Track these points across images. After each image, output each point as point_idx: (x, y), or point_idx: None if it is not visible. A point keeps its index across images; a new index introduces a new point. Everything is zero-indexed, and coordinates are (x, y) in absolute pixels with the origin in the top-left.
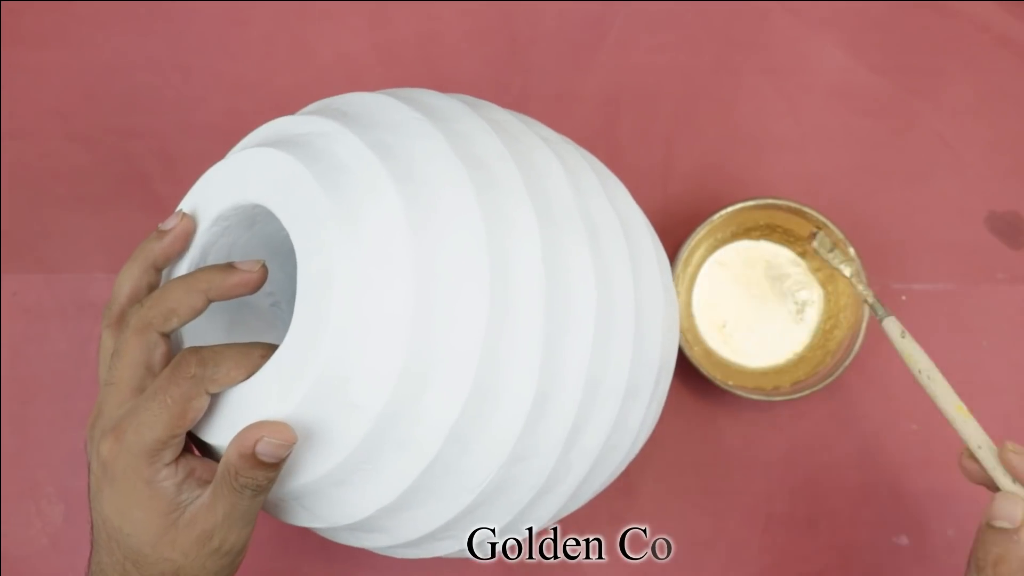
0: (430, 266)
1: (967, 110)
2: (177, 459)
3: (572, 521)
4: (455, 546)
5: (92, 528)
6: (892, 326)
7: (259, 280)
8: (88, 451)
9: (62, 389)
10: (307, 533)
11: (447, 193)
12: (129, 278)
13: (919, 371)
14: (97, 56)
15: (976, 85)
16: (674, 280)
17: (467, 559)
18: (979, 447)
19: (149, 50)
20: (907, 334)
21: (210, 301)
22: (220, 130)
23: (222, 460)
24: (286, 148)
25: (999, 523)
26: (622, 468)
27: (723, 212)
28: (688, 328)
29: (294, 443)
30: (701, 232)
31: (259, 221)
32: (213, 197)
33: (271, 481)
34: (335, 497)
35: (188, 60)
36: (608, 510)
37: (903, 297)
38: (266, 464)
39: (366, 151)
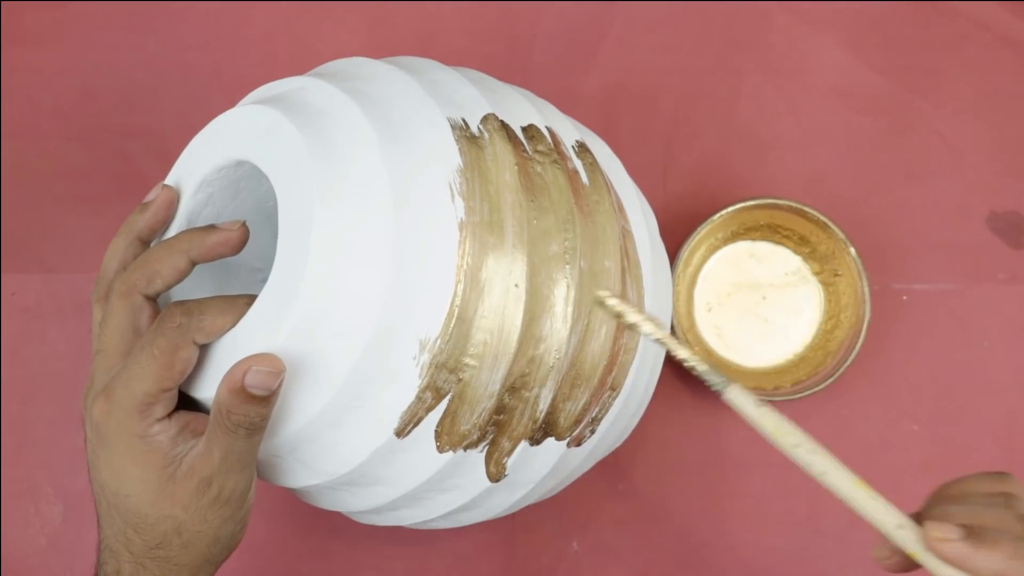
0: (407, 195)
1: (967, 110)
2: (170, 415)
3: (572, 521)
4: (461, 498)
5: (96, 505)
6: (740, 397)
7: (240, 239)
8: (83, 422)
9: (61, 389)
10: (306, 534)
11: (421, 127)
12: (115, 252)
13: (794, 445)
14: (96, 55)
15: (976, 85)
16: (674, 280)
17: (470, 540)
18: (900, 527)
19: (148, 49)
20: (763, 403)
21: (193, 262)
22: None
23: (214, 401)
24: (263, 103)
25: None
26: (628, 418)
27: (723, 212)
28: (688, 328)
29: (283, 371)
30: (701, 232)
31: (243, 189)
32: (196, 164)
33: (264, 419)
34: (330, 443)
35: (187, 59)
36: (608, 510)
37: (904, 297)
38: (257, 398)
39: (341, 95)
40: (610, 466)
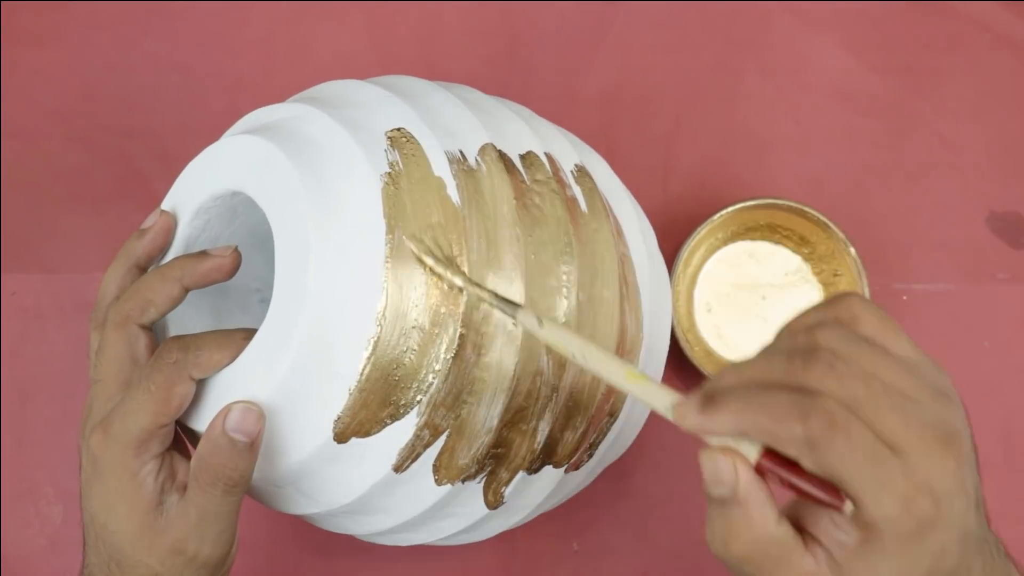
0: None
1: (967, 110)
2: (164, 454)
3: (572, 521)
4: (460, 524)
5: (84, 532)
6: (527, 319)
7: (232, 264)
8: (80, 450)
9: (61, 389)
10: (307, 536)
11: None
12: (113, 279)
13: (572, 355)
14: (96, 56)
15: (976, 85)
16: (674, 280)
17: (472, 543)
18: (667, 410)
19: (148, 50)
20: (545, 321)
21: (186, 289)
22: (219, 130)
23: (193, 457)
24: (259, 134)
25: (716, 491)
26: (626, 437)
27: (723, 212)
28: (688, 328)
29: (263, 415)
30: (701, 232)
31: (240, 214)
32: (192, 191)
33: (242, 476)
34: (329, 476)
35: (187, 60)
36: (609, 511)
37: (904, 297)
38: (237, 447)
39: (336, 126)
40: (610, 467)
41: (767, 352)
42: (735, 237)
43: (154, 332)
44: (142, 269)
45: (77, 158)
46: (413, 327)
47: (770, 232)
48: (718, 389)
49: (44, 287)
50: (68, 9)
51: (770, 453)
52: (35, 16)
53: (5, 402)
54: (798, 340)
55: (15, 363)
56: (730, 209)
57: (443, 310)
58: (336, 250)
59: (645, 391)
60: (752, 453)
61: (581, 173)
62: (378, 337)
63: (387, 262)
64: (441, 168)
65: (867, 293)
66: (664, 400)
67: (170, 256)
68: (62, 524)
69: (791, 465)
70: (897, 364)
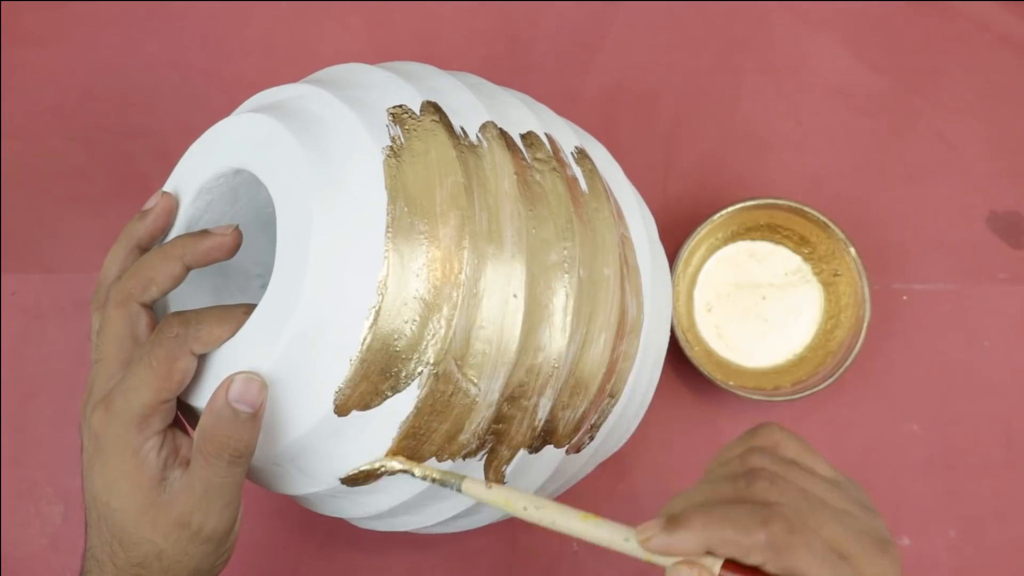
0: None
1: (967, 110)
2: (166, 431)
3: None
4: (460, 505)
5: (86, 513)
6: (473, 486)
7: (233, 243)
8: (81, 430)
9: (61, 389)
10: (306, 534)
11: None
12: (115, 260)
13: (523, 508)
14: (96, 55)
15: (976, 85)
16: (674, 280)
17: (471, 541)
18: (626, 540)
19: (148, 49)
20: (493, 485)
21: (187, 268)
22: None
23: (197, 429)
24: (263, 112)
25: None
26: (627, 423)
27: (724, 212)
28: (688, 328)
29: (265, 385)
30: (701, 232)
31: (243, 196)
32: (194, 171)
33: (247, 447)
34: (329, 452)
35: (187, 59)
36: (608, 510)
37: (904, 297)
38: (240, 418)
39: (339, 104)
40: (611, 466)
41: (707, 481)
42: (735, 237)
43: (155, 312)
44: (143, 250)
45: (77, 158)
46: (414, 297)
47: (770, 232)
48: (674, 513)
49: (44, 287)
50: (68, 9)
51: (728, 566)
52: (35, 16)
53: (5, 402)
54: (732, 467)
55: (15, 363)
56: (730, 209)
57: (445, 281)
58: (338, 221)
59: (601, 528)
60: (715, 567)
61: (581, 155)
62: (379, 306)
63: (388, 231)
64: (443, 143)
65: (867, 293)
66: (622, 533)
67: (171, 237)
68: (62, 524)
69: (750, 572)
70: (825, 481)
